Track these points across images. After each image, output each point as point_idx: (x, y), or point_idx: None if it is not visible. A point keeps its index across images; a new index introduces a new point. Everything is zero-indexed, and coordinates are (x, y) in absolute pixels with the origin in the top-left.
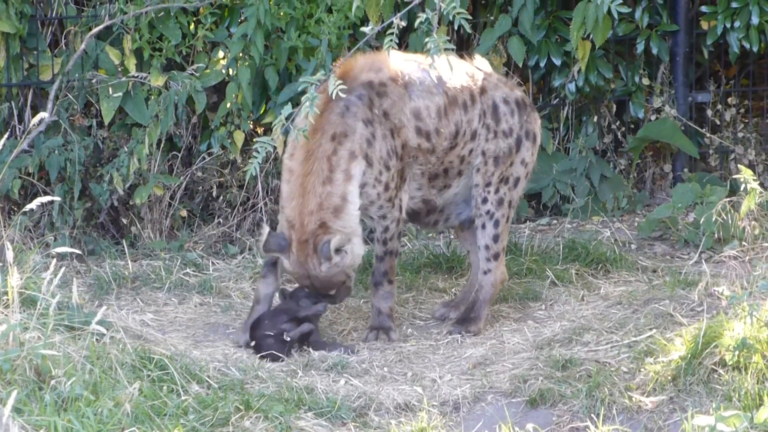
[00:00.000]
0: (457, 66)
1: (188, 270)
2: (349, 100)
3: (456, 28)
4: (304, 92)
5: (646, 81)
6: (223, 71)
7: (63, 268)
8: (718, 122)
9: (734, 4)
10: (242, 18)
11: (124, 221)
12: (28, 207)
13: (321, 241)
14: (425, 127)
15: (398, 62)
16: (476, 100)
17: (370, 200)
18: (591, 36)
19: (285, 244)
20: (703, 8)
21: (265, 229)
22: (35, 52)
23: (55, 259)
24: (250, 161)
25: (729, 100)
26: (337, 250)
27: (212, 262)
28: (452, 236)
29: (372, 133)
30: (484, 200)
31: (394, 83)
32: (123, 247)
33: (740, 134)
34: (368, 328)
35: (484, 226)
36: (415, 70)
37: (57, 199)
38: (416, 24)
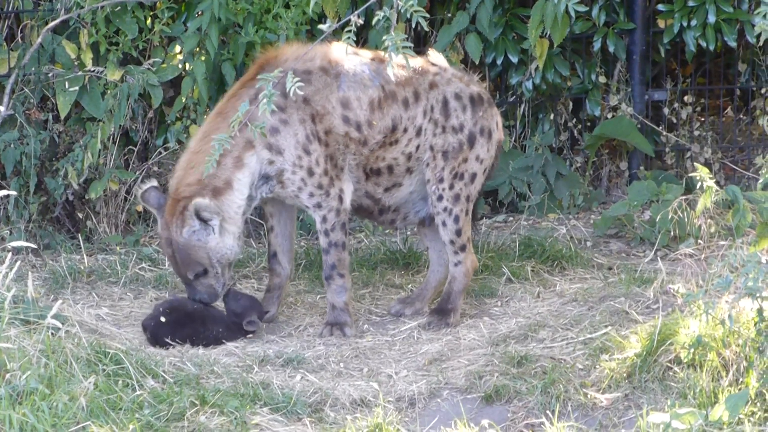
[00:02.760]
0: (409, 64)
1: (144, 265)
2: (261, 88)
3: (414, 25)
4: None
5: (602, 79)
6: (180, 66)
7: (18, 262)
8: (675, 120)
9: (691, 3)
10: (200, 13)
11: (80, 216)
12: None
13: (189, 205)
14: (355, 117)
15: (336, 54)
16: (421, 96)
17: (297, 186)
18: (549, 34)
19: (162, 203)
20: (660, 7)
21: (153, 182)
22: None
23: (10, 253)
24: (207, 158)
25: (685, 98)
26: (203, 221)
27: None
28: (409, 233)
29: (282, 120)
30: (440, 197)
31: (322, 72)
32: (78, 241)
33: (696, 132)
34: (324, 323)
35: (444, 223)
36: (354, 64)
37: (13, 193)
38: (374, 21)
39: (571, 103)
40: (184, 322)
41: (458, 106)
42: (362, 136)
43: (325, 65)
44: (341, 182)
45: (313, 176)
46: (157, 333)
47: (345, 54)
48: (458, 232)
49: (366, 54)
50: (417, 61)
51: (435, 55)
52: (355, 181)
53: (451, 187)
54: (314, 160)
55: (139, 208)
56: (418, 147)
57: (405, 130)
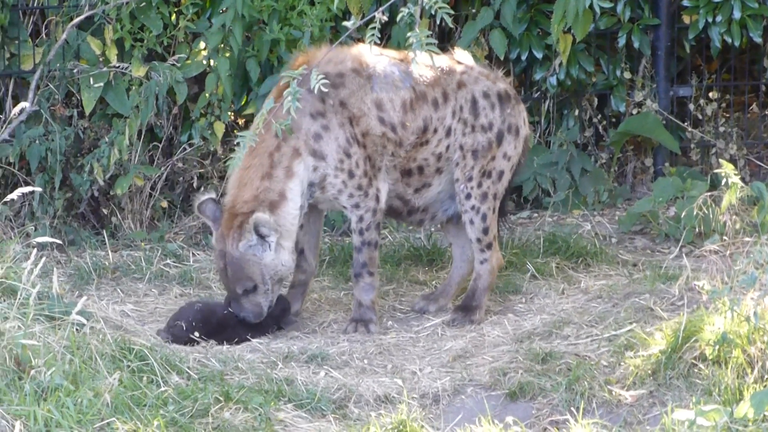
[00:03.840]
0: (435, 62)
1: (168, 261)
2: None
3: (438, 21)
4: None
5: (627, 75)
6: (204, 62)
7: (43, 258)
8: (700, 116)
9: None
10: (223, 9)
11: (105, 212)
12: (8, 197)
13: (249, 219)
14: (389, 118)
15: (366, 56)
16: (449, 96)
17: (337, 189)
18: (572, 29)
19: (218, 215)
20: (685, 2)
21: (211, 194)
22: (16, 42)
23: (35, 249)
24: (231, 155)
25: (710, 94)
26: (260, 236)
27: (192, 253)
28: (433, 229)
29: (323, 125)
30: (468, 196)
31: (355, 74)
32: (103, 237)
33: (721, 129)
34: (349, 320)
35: (472, 222)
36: (384, 65)
37: (38, 189)
38: (398, 18)
39: (596, 99)
40: (215, 331)
41: (487, 104)
42: (398, 137)
43: (357, 67)
44: (378, 182)
45: (353, 178)
46: (181, 337)
47: (374, 56)
48: (485, 230)
49: (393, 54)
50: (443, 60)
51: (461, 53)
52: (392, 183)
53: (479, 185)
54: (354, 162)
55: (164, 204)
56: (448, 147)
57: (435, 131)
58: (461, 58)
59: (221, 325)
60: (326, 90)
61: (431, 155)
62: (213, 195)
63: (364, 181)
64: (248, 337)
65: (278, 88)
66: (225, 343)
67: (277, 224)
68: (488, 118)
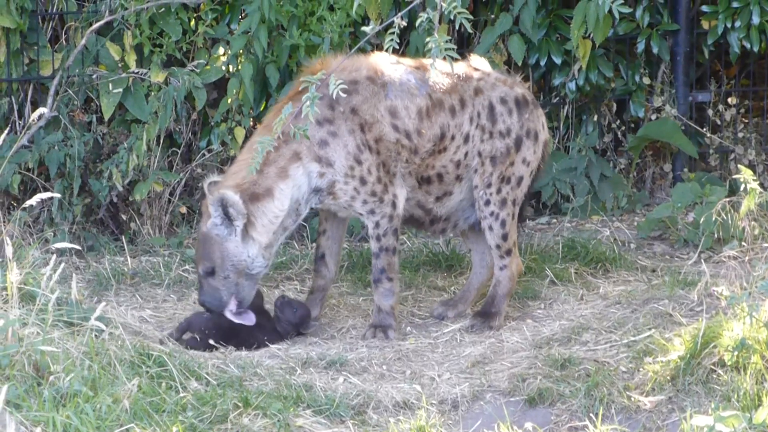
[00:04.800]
0: (452, 68)
1: (187, 266)
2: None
3: (457, 26)
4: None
5: (646, 80)
6: (224, 68)
7: (62, 264)
8: (719, 122)
9: (735, 4)
10: (243, 14)
11: (124, 217)
12: (27, 203)
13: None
14: (403, 125)
15: (381, 64)
16: (466, 103)
17: (350, 196)
18: (591, 35)
19: None
20: (704, 8)
21: (218, 179)
22: (36, 48)
23: (54, 255)
24: (251, 160)
25: (729, 100)
26: (227, 217)
27: None
28: (452, 234)
29: (330, 132)
30: (487, 202)
31: (369, 82)
32: (122, 243)
33: (740, 134)
34: (368, 325)
35: (491, 228)
36: (400, 73)
37: (57, 195)
38: (417, 23)
39: (614, 105)
40: (228, 336)
41: (504, 110)
42: (413, 144)
43: (372, 75)
44: (395, 188)
45: (365, 185)
46: (197, 348)
47: (390, 64)
48: (504, 237)
49: (409, 62)
50: (460, 67)
51: (477, 60)
52: (409, 190)
53: (499, 191)
54: (366, 168)
55: (183, 210)
56: (466, 154)
57: (453, 138)
58: (478, 64)
59: (233, 329)
60: (343, 95)
61: (450, 162)
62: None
63: (378, 188)
64: (266, 342)
65: (289, 95)
66: (242, 348)
67: (251, 214)
68: (506, 124)
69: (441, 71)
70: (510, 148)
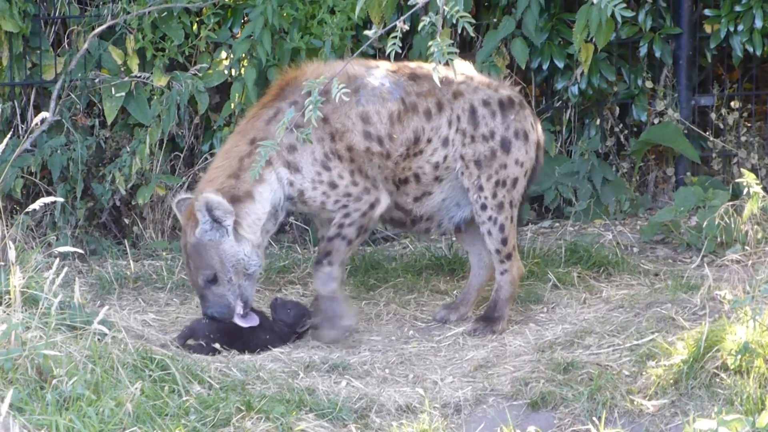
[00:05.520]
0: (428, 73)
1: None
2: (280, 108)
3: (459, 30)
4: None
5: (649, 84)
6: (226, 72)
7: (65, 268)
8: (721, 126)
9: (738, 8)
10: (245, 18)
11: (126, 221)
12: (30, 207)
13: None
14: (375, 131)
15: (355, 70)
16: (444, 106)
17: (320, 201)
18: (594, 39)
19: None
20: (707, 12)
21: (188, 194)
22: (38, 52)
23: (57, 259)
24: (253, 164)
25: (732, 103)
26: (215, 219)
27: None
28: (454, 238)
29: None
30: (483, 206)
31: None
32: (125, 247)
33: (743, 138)
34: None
35: (490, 233)
36: (373, 78)
37: (59, 199)
38: (420, 27)
39: (617, 109)
40: (232, 340)
41: (487, 113)
42: (384, 149)
43: (344, 81)
44: (378, 192)
45: (336, 188)
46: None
47: (366, 68)
48: (504, 241)
49: (386, 66)
50: (443, 70)
51: (460, 64)
52: (388, 193)
53: (494, 195)
54: (336, 174)
55: None
56: (445, 157)
57: (429, 141)
58: (461, 68)
59: (237, 332)
60: (346, 99)
61: (426, 164)
62: (191, 195)
63: (353, 189)
64: (268, 341)
65: (262, 102)
66: (245, 351)
67: (237, 215)
68: (489, 127)
69: (419, 75)
70: (495, 150)
